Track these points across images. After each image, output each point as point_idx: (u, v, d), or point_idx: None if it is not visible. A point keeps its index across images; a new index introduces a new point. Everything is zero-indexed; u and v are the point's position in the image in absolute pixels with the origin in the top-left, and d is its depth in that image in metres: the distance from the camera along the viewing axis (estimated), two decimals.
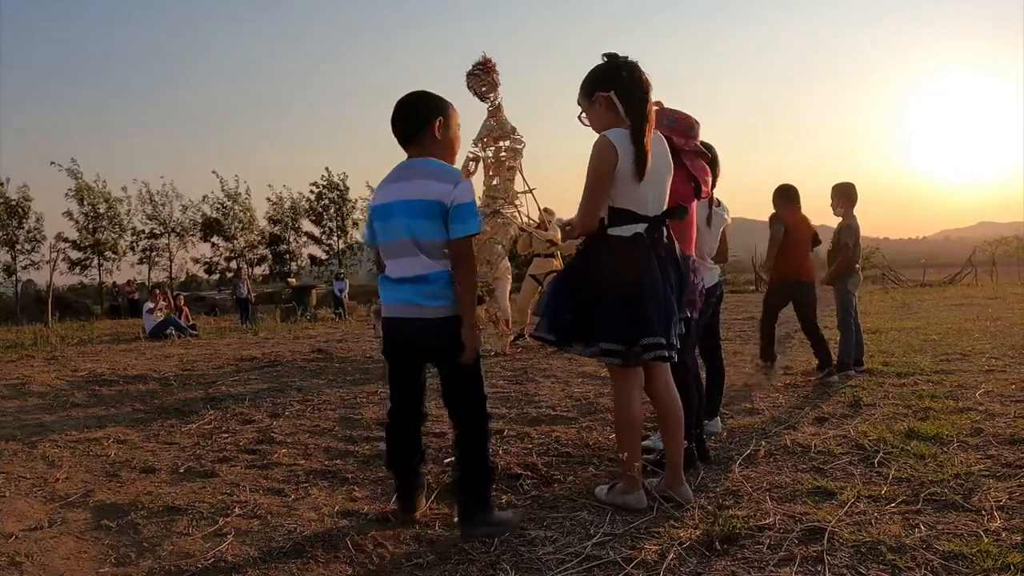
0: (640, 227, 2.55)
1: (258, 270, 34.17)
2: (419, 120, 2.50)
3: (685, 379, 3.12)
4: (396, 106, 2.54)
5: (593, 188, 2.53)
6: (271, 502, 2.92)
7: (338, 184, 34.44)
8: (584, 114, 2.68)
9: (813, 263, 5.60)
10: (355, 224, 34.81)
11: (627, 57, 2.58)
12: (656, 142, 2.62)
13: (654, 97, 2.65)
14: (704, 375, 3.78)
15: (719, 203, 3.57)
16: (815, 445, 3.37)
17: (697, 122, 3.14)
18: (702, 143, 3.44)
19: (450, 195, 2.37)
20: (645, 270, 2.51)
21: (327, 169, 34.83)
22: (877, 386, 4.96)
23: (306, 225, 34.75)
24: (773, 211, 5.60)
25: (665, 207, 2.64)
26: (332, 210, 34.38)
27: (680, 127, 3.04)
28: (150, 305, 13.30)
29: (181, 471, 3.45)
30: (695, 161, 3.01)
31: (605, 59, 2.60)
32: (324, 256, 34.96)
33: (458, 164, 2.66)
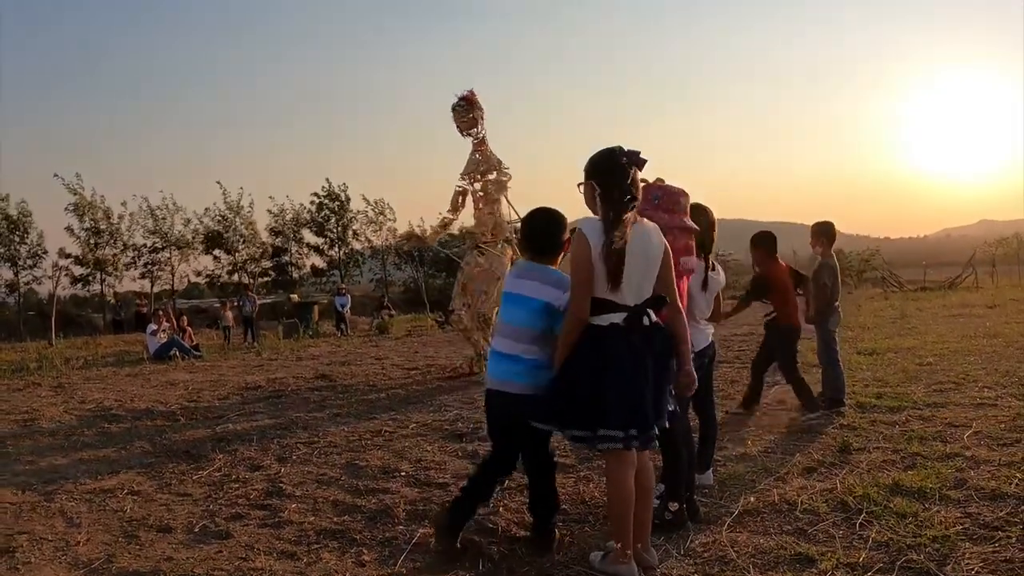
0: (617, 317, 2.68)
1: (260, 281, 34.33)
2: (561, 241, 3.03)
3: (675, 443, 3.27)
4: (542, 220, 3.06)
5: (575, 280, 2.73)
6: (285, 568, 3.06)
7: (339, 195, 34.67)
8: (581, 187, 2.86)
9: (798, 306, 5.75)
10: (355, 235, 35.07)
11: (625, 154, 2.71)
12: (641, 233, 2.73)
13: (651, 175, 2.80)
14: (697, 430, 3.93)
15: (714, 267, 3.70)
16: (801, 502, 3.51)
17: (685, 194, 3.27)
18: (696, 205, 3.59)
19: (561, 300, 2.88)
20: (614, 362, 2.65)
21: (327, 180, 35.07)
22: (868, 425, 5.10)
23: (308, 236, 35.00)
24: (754, 269, 5.74)
25: (650, 294, 2.74)
26: (333, 220, 34.59)
27: (664, 203, 3.16)
28: (153, 327, 13.47)
29: (196, 530, 3.60)
30: (677, 239, 3.12)
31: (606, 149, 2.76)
32: (325, 266, 35.18)
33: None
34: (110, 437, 6.02)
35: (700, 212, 3.53)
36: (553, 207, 3.13)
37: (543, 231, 3.04)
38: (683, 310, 2.90)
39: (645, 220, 2.80)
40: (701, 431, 3.94)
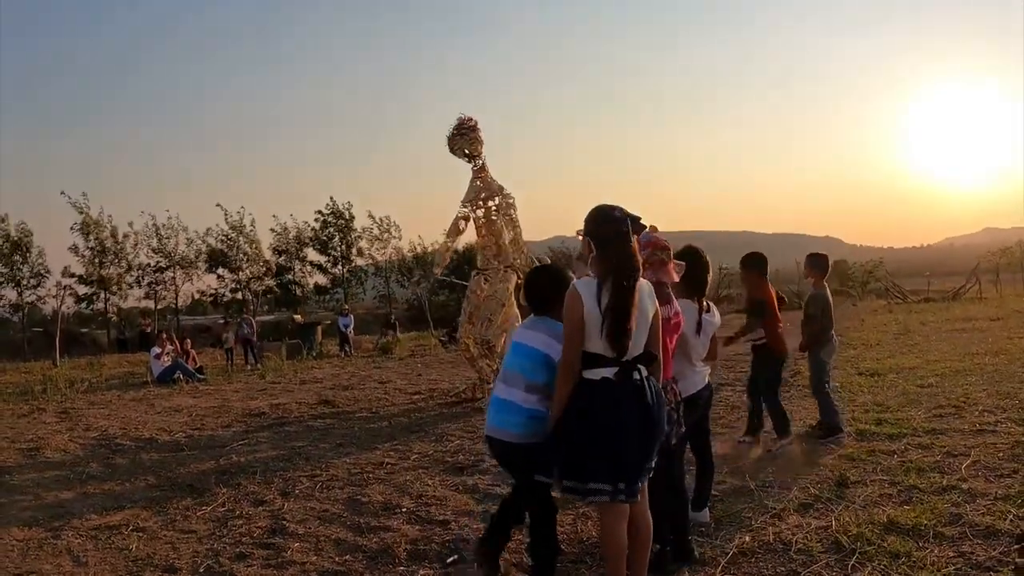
0: (608, 371, 2.73)
1: (263, 299, 34.50)
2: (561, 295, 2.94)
3: (659, 488, 3.27)
4: (551, 277, 3.16)
5: (567, 334, 2.77)
6: None
7: (343, 213, 34.85)
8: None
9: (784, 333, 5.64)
10: (359, 252, 35.21)
11: (626, 221, 2.74)
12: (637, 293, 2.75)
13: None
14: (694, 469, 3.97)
15: (709, 308, 3.73)
16: (796, 542, 3.55)
17: (653, 245, 3.20)
18: (687, 248, 3.64)
19: (560, 353, 2.89)
20: (603, 417, 2.69)
21: (331, 198, 35.37)
22: (867, 455, 5.10)
23: (311, 254, 35.21)
24: (748, 292, 5.60)
25: (641, 350, 2.79)
26: (337, 238, 34.76)
27: None
28: (157, 350, 13.52)
29: (201, 571, 3.66)
30: None
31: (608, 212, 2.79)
32: (328, 284, 35.32)
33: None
34: (115, 469, 6.08)
35: (693, 255, 3.57)
36: (554, 265, 3.19)
37: (544, 289, 3.11)
38: (666, 365, 2.94)
39: (640, 279, 2.82)
40: (698, 469, 3.98)
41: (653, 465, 2.85)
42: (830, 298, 5.95)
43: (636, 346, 2.78)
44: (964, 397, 6.99)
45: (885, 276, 32.86)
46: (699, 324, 3.60)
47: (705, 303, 3.69)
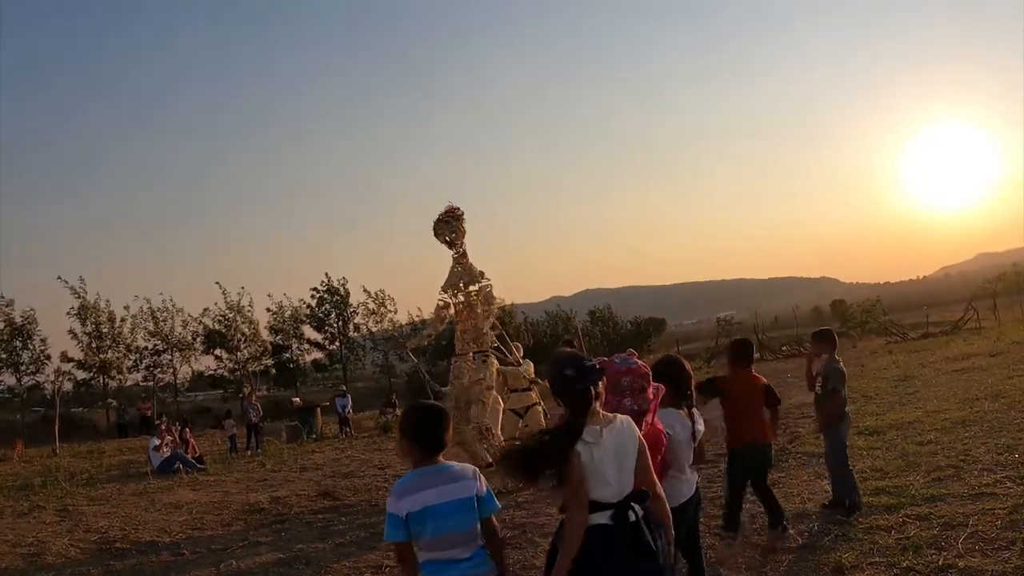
0: (603, 517, 2.69)
1: (261, 377, 34.29)
2: (447, 434, 2.96)
3: None
4: (435, 417, 2.94)
5: (577, 498, 2.67)
6: None
7: (338, 289, 34.93)
8: None
9: (765, 421, 5.12)
10: (356, 328, 35.17)
11: (582, 376, 2.75)
12: (614, 432, 2.75)
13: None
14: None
15: (694, 417, 3.74)
16: None
17: (633, 373, 3.17)
18: (666, 358, 3.69)
19: (479, 487, 2.89)
20: (601, 564, 2.66)
21: (327, 275, 35.39)
22: (864, 534, 5.03)
23: (308, 331, 35.08)
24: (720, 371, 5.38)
25: (630, 487, 2.76)
26: (333, 315, 34.73)
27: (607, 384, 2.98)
28: (156, 442, 13.49)
29: None
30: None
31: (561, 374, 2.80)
32: (327, 361, 35.08)
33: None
34: None
35: (673, 365, 3.62)
36: (436, 404, 3.07)
37: (429, 428, 2.90)
38: (661, 494, 2.91)
39: (619, 417, 2.84)
40: (689, 574, 3.95)
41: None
42: (845, 371, 5.80)
43: (625, 485, 2.75)
44: (964, 455, 6.85)
45: (882, 316, 32.77)
46: (692, 434, 3.61)
47: (693, 412, 3.70)
